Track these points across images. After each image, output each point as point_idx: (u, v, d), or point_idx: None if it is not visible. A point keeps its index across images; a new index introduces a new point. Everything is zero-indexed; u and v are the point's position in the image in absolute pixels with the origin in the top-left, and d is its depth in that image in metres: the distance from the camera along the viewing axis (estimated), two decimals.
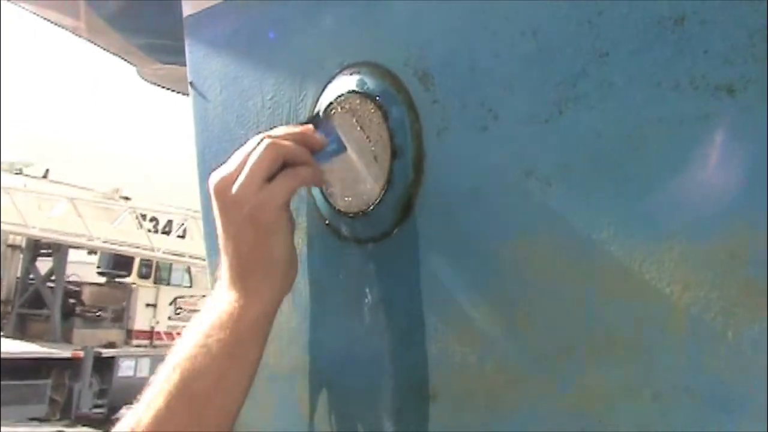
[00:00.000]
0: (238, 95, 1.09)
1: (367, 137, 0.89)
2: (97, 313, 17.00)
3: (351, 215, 0.91)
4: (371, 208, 0.88)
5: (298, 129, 0.88)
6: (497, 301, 0.79)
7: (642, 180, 0.67)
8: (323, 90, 0.96)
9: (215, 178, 0.84)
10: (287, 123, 1.02)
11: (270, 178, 0.81)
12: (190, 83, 1.17)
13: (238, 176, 0.81)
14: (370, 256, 0.92)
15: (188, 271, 18.04)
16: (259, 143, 0.83)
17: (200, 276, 17.84)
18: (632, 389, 0.68)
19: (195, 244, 16.26)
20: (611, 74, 0.69)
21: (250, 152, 0.82)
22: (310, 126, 0.89)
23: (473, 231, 0.81)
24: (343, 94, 0.91)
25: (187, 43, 1.19)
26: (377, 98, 0.88)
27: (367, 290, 0.92)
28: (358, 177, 0.90)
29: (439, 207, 0.84)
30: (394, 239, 0.89)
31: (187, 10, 1.18)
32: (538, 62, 0.74)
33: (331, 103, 0.92)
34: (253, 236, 0.81)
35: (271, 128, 1.00)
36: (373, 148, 0.88)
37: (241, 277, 0.83)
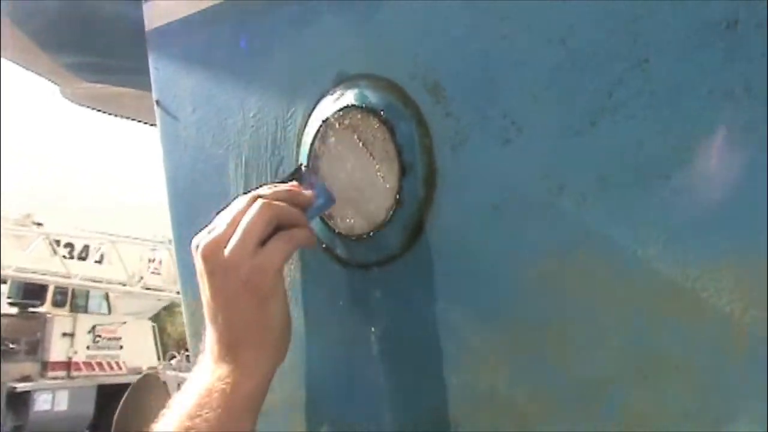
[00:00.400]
0: (215, 113, 1.02)
1: (371, 154, 0.83)
2: (11, 346, 16.25)
3: (353, 238, 0.85)
4: (377, 229, 0.83)
5: (286, 187, 0.83)
6: (527, 324, 0.74)
7: (693, 193, 0.63)
8: (315, 105, 0.90)
9: (203, 240, 0.77)
10: (273, 142, 0.95)
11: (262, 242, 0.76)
12: (157, 102, 1.10)
13: (229, 239, 0.75)
14: (375, 281, 0.86)
15: (106, 297, 17.45)
16: (249, 203, 0.77)
17: (118, 302, 17.31)
18: (689, 415, 0.64)
19: (113, 270, 15.78)
20: (653, 82, 0.65)
21: (239, 213, 0.77)
22: (295, 184, 0.84)
23: (495, 250, 0.76)
24: (341, 109, 0.85)
25: (152, 59, 1.11)
26: (381, 113, 0.82)
27: (373, 319, 0.87)
28: (362, 197, 0.84)
29: (455, 226, 0.79)
30: (403, 262, 0.84)
31: (152, 22, 1.11)
32: (567, 72, 0.70)
33: (326, 120, 0.86)
34: (248, 303, 0.75)
35: (255, 148, 0.94)
36: (377, 166, 0.82)
37: (233, 348, 0.76)
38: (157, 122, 1.08)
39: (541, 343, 0.73)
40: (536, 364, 0.74)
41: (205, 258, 0.76)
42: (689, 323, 0.64)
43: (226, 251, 0.75)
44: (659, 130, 0.65)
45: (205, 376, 0.76)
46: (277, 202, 0.77)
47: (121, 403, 10.88)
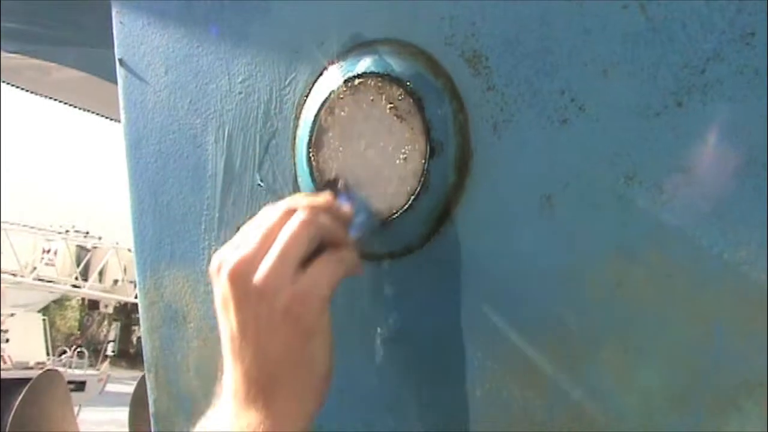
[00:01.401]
0: (194, 76, 0.88)
1: (391, 131, 0.71)
2: None
3: None
4: (394, 216, 0.71)
5: (322, 200, 0.67)
6: (577, 337, 0.64)
7: None
8: (322, 72, 0.78)
9: (229, 258, 0.62)
10: (265, 113, 0.82)
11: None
12: (119, 60, 0.95)
13: (263, 258, 0.61)
14: (386, 275, 0.75)
15: None
16: (284, 216, 0.63)
17: (7, 293, 16.46)
18: None
19: (3, 258, 15.01)
20: (757, 59, 0.56)
21: (274, 226, 0.62)
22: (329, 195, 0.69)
23: (543, 249, 0.66)
24: (356, 77, 0.73)
25: (116, 13, 0.96)
26: (407, 83, 0.70)
27: (381, 318, 0.75)
28: (377, 179, 0.72)
29: (490, 218, 0.68)
30: (422, 255, 0.72)
31: None
32: (647, 43, 0.61)
33: (336, 88, 0.74)
34: (288, 338, 0.60)
35: (242, 119, 0.81)
36: (399, 144, 0.71)
37: (266, 393, 0.61)
38: (119, 84, 0.93)
39: (595, 361, 0.63)
40: (585, 386, 0.63)
41: (234, 280, 0.61)
42: None
43: (261, 273, 0.60)
44: (761, 115, 0.56)
45: (225, 424, 0.61)
46: (320, 218, 0.64)
47: (18, 401, 10.30)
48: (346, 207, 0.68)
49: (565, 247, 0.64)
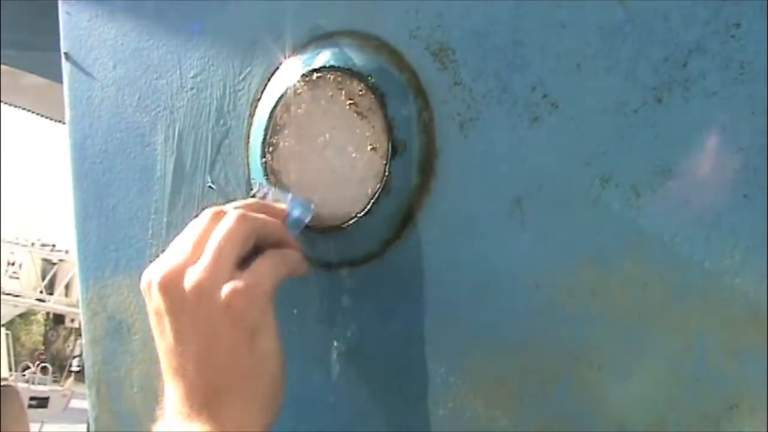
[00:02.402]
0: (143, 71, 0.82)
1: (351, 129, 0.66)
2: None
3: (319, 230, 0.68)
4: (352, 221, 0.66)
5: (253, 201, 0.65)
6: (549, 351, 0.59)
7: None
8: (278, 66, 0.73)
9: (157, 271, 0.57)
10: (218, 110, 0.77)
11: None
12: (65, 54, 0.89)
13: (194, 262, 0.56)
14: (344, 285, 0.69)
15: None
16: (213, 220, 0.58)
17: None
18: None
19: None
20: (743, 51, 0.52)
21: (203, 232, 0.58)
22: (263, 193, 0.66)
23: (512, 256, 0.61)
24: (314, 71, 0.68)
25: (62, 3, 0.90)
26: (369, 78, 0.66)
27: (338, 331, 0.69)
28: (334, 181, 0.67)
29: (456, 222, 0.64)
30: (383, 263, 0.67)
31: None
32: (625, 35, 0.56)
33: (293, 84, 0.69)
34: (231, 339, 0.55)
35: (193, 116, 0.76)
36: (359, 144, 0.66)
37: (212, 401, 0.55)
38: (65, 80, 0.88)
39: (567, 378, 0.58)
40: (555, 405, 0.58)
41: (166, 290, 0.56)
42: None
43: (195, 276, 0.55)
44: (749, 112, 0.52)
45: None
46: (255, 214, 0.60)
47: None
48: (280, 204, 0.63)
49: (535, 254, 0.60)
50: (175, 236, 0.76)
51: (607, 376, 0.56)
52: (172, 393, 0.57)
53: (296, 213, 0.65)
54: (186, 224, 0.73)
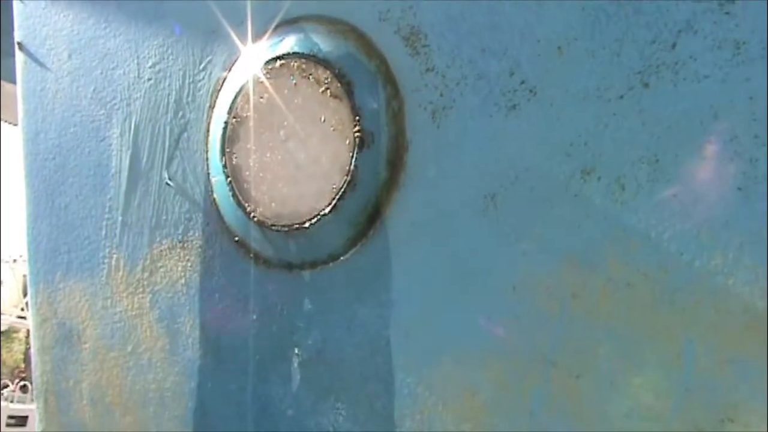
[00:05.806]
0: (99, 61, 0.77)
1: (315, 119, 0.62)
2: None
3: (279, 229, 0.63)
4: (315, 218, 0.61)
5: None
6: (523, 357, 0.54)
7: None
8: (240, 54, 0.68)
9: None
10: (177, 101, 0.72)
11: None
12: (19, 45, 0.84)
13: None
14: (306, 287, 0.64)
15: None
16: None
17: None
18: None
19: None
20: (738, 30, 0.48)
21: None
22: None
23: (485, 255, 0.56)
24: (276, 59, 0.63)
25: None
26: (336, 65, 0.61)
27: (300, 337, 0.64)
28: (297, 175, 0.62)
29: (427, 219, 0.59)
30: (348, 263, 0.63)
31: None
32: (610, 16, 0.52)
33: (255, 73, 0.64)
34: None
35: (151, 108, 0.71)
36: (324, 135, 0.61)
37: None
38: (18, 71, 0.82)
39: (543, 386, 0.53)
40: (532, 415, 0.53)
41: None
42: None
43: None
44: (745, 97, 0.47)
45: None
46: None
47: None
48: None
49: (511, 254, 0.55)
50: (129, 236, 0.71)
51: (587, 385, 0.51)
52: None
53: None
54: (141, 223, 0.68)
